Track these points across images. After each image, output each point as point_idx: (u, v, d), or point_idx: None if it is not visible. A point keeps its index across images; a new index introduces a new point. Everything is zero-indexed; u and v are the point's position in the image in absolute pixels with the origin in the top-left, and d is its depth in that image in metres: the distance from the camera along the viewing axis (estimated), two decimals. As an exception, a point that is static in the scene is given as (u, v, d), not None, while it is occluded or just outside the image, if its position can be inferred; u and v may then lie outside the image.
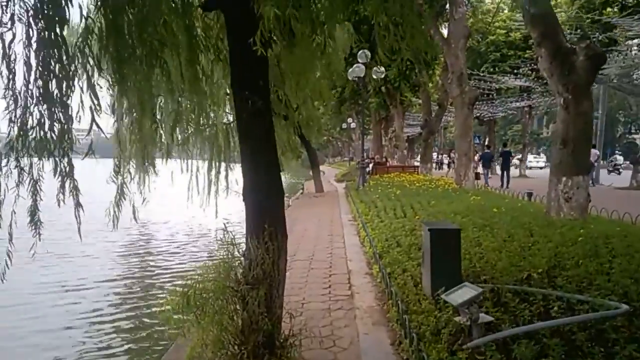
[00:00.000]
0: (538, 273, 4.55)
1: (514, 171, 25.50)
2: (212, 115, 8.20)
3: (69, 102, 2.54)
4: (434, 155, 35.70)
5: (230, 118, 6.48)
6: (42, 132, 2.61)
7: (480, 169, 20.49)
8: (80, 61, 2.63)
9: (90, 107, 2.62)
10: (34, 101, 2.54)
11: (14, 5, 2.46)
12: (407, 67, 19.99)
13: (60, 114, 2.54)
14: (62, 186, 2.58)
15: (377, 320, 4.49)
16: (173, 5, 2.89)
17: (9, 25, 2.44)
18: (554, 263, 4.78)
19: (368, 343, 3.99)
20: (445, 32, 17.50)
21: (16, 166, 2.75)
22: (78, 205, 2.65)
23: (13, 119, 2.64)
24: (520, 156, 32.17)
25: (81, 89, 2.46)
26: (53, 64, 2.43)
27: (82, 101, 2.50)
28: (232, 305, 3.25)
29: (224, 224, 3.46)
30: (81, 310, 7.11)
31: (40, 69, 2.46)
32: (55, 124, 2.57)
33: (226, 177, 10.34)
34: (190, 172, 10.16)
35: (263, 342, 3.18)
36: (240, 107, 3.19)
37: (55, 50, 2.42)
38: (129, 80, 2.78)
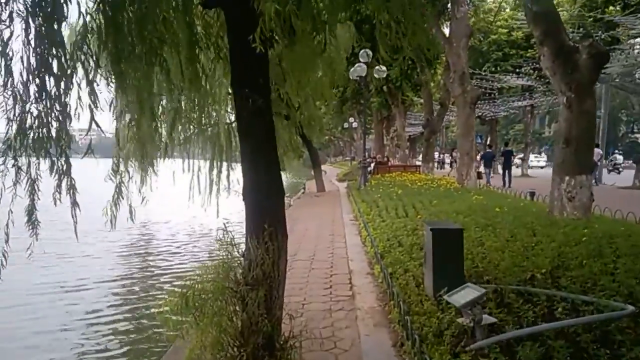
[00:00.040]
0: (542, 273, 4.50)
1: (515, 171, 25.42)
2: (214, 114, 8.18)
3: (67, 100, 2.51)
4: (436, 154, 35.61)
5: (233, 118, 6.44)
6: (40, 131, 2.58)
7: (482, 169, 20.42)
8: (78, 59, 2.59)
9: (89, 105, 2.58)
10: (32, 99, 2.50)
11: (12, 3, 2.43)
12: (408, 66, 19.94)
13: (58, 112, 2.50)
14: (59, 185, 2.54)
15: (379, 322, 4.45)
16: (173, 2, 2.85)
17: (7, 23, 2.41)
18: (557, 263, 4.74)
19: (369, 344, 3.95)
20: (447, 31, 17.44)
21: (13, 165, 2.72)
22: (75, 204, 2.61)
23: (11, 117, 2.61)
24: (522, 155, 32.07)
25: (78, 85, 2.42)
26: (51, 61, 2.39)
27: (80, 98, 2.46)
28: (232, 306, 3.21)
29: (224, 224, 3.43)
30: (80, 311, 7.08)
31: (38, 66, 2.42)
32: (52, 122, 2.54)
33: (228, 176, 10.32)
34: (192, 171, 10.15)
35: (263, 344, 3.13)
36: (240, 105, 3.15)
37: (54, 47, 2.39)
38: (128, 78, 2.74)
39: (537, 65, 23.66)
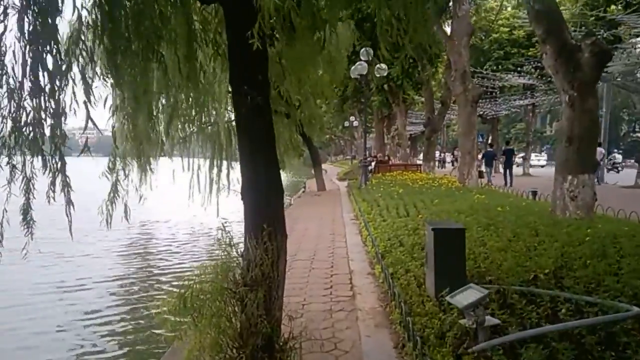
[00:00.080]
0: (545, 274, 4.46)
1: (517, 170, 25.36)
2: (213, 112, 8.13)
3: (62, 96, 2.46)
4: (437, 153, 35.55)
5: (233, 116, 6.39)
6: (35, 128, 2.53)
7: (483, 168, 20.36)
8: (73, 54, 2.53)
9: (85, 103, 2.53)
10: (26, 95, 2.45)
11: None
12: (410, 64, 19.88)
13: (53, 109, 2.45)
14: (53, 183, 2.49)
15: (380, 322, 4.40)
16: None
17: (1, 17, 2.35)
18: (560, 263, 4.69)
19: (370, 346, 3.89)
20: (448, 30, 17.38)
21: (8, 163, 2.67)
22: (69, 202, 2.56)
23: (5, 114, 2.56)
24: (523, 154, 31.99)
25: (73, 80, 2.37)
26: (45, 56, 2.34)
27: (74, 94, 2.41)
28: (230, 307, 3.16)
29: (222, 224, 3.37)
30: (79, 311, 7.04)
31: (32, 61, 2.37)
32: (47, 118, 2.49)
33: (228, 175, 10.27)
34: (192, 170, 10.11)
35: (262, 345, 3.08)
36: (239, 103, 3.10)
37: (48, 42, 2.33)
38: (124, 75, 2.69)
39: (539, 64, 23.58)
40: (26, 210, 2.81)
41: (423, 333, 3.51)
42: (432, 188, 13.57)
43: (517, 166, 28.69)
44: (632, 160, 32.85)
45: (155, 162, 7.76)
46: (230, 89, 3.70)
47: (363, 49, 15.40)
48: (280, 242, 3.28)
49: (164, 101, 4.20)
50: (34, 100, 2.43)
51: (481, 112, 30.22)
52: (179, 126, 6.26)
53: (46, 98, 2.32)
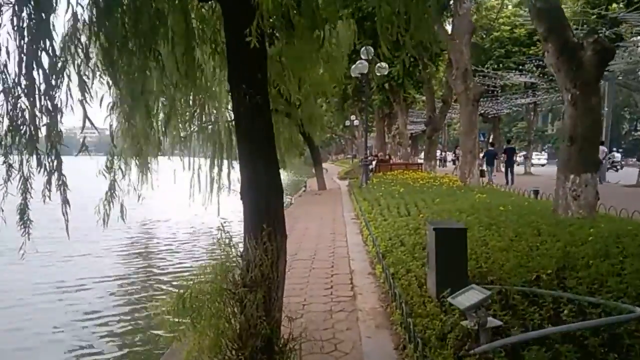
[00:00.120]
0: (547, 274, 4.41)
1: (518, 169, 25.30)
2: (214, 111, 8.08)
3: (58, 94, 2.42)
4: (438, 152, 35.49)
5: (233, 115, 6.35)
6: (31, 127, 2.50)
7: (484, 166, 20.31)
8: (69, 51, 2.50)
9: (82, 102, 2.50)
10: (21, 93, 2.42)
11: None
12: (410, 63, 19.79)
13: (50, 107, 2.42)
14: (49, 181, 2.46)
15: (380, 323, 4.36)
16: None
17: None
18: (563, 263, 4.65)
19: (371, 347, 3.86)
20: (449, 28, 17.32)
21: (4, 162, 2.64)
22: (65, 201, 2.52)
23: (2, 112, 2.53)
24: (525, 153, 31.91)
25: (68, 76, 2.33)
26: (40, 53, 2.30)
27: (69, 90, 2.37)
28: (230, 308, 3.12)
29: (221, 224, 3.34)
30: (78, 312, 7.00)
31: (28, 58, 2.33)
32: (43, 117, 2.45)
33: (228, 175, 10.23)
34: (192, 169, 10.08)
35: (261, 347, 3.05)
36: (238, 102, 3.06)
37: (43, 40, 2.30)
38: (121, 73, 2.65)
39: (540, 63, 23.51)
40: (23, 210, 2.78)
41: (424, 334, 3.47)
42: (433, 187, 13.53)
43: (518, 165, 28.65)
44: (634, 159, 32.76)
45: (155, 161, 7.73)
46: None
47: (363, 47, 15.34)
48: (280, 242, 3.25)
49: (164, 99, 4.18)
50: (30, 98, 2.40)
51: (482, 111, 30.15)
52: (180, 125, 6.23)
53: (42, 96, 2.28)
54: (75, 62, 2.38)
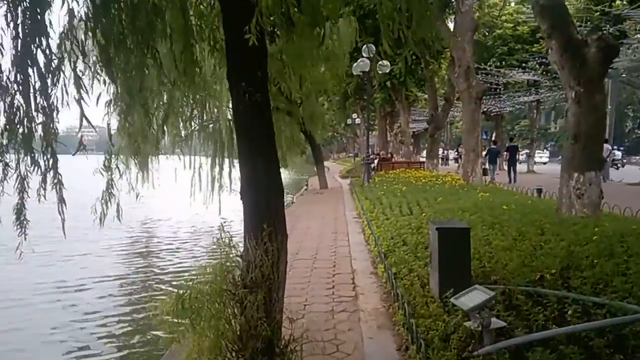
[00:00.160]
0: (551, 274, 4.36)
1: (521, 167, 25.19)
2: (214, 110, 8.05)
3: (54, 92, 2.39)
4: (440, 150, 35.41)
5: (234, 114, 6.31)
6: (27, 125, 2.46)
7: (487, 165, 20.24)
8: (65, 48, 2.46)
9: (79, 100, 2.46)
10: (16, 91, 2.38)
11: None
12: (412, 61, 19.74)
13: (45, 106, 2.38)
14: (44, 180, 2.43)
15: (383, 324, 4.31)
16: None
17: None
18: (567, 263, 4.60)
19: (373, 348, 3.82)
20: (451, 25, 17.23)
21: (0, 161, 2.61)
22: (62, 200, 2.48)
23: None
24: (527, 151, 31.78)
25: (63, 72, 2.29)
26: (35, 50, 2.26)
27: (66, 88, 2.33)
28: (230, 309, 3.08)
29: (221, 224, 3.30)
30: (77, 312, 6.97)
31: (21, 56, 2.29)
32: (39, 115, 2.42)
33: (230, 173, 10.22)
34: (193, 168, 10.06)
35: (262, 348, 3.01)
36: (237, 100, 3.01)
37: (38, 37, 2.26)
38: (118, 71, 2.61)
39: (543, 60, 23.40)
40: (20, 209, 2.75)
41: (427, 335, 3.43)
42: (435, 186, 13.47)
43: (520, 163, 28.56)
44: (638, 157, 32.57)
45: (155, 159, 7.70)
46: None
47: (365, 45, 15.26)
48: (281, 242, 3.21)
49: (165, 98, 4.14)
50: (25, 96, 2.36)
51: (485, 109, 30.07)
52: (180, 124, 6.20)
53: (36, 94, 2.24)
54: (72, 60, 2.34)
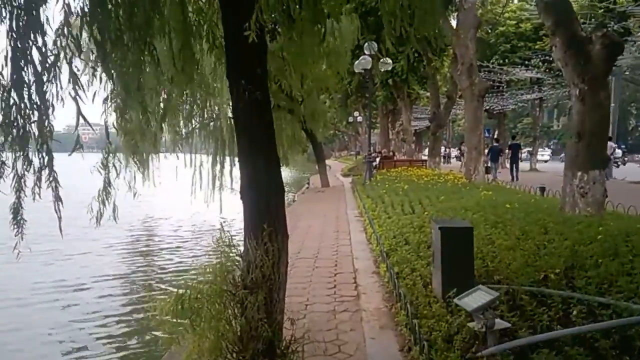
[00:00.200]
0: (555, 273, 4.31)
1: (524, 165, 25.09)
2: (215, 108, 8.01)
3: (51, 89, 2.35)
4: (442, 148, 35.29)
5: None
6: (25, 123, 2.42)
7: (489, 163, 20.16)
8: (62, 46, 2.41)
9: (75, 97, 2.42)
10: (11, 88, 2.34)
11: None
12: (415, 58, 19.64)
13: (40, 104, 2.34)
14: (39, 178, 2.39)
15: (385, 324, 4.27)
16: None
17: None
18: (571, 263, 4.55)
19: (375, 348, 3.77)
20: (454, 23, 17.13)
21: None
22: (58, 199, 2.45)
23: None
24: (530, 149, 31.67)
25: (59, 68, 2.25)
26: (30, 47, 2.22)
27: (60, 86, 2.30)
28: (230, 310, 3.05)
29: (221, 223, 3.27)
30: (76, 312, 6.92)
31: (16, 53, 2.25)
32: (35, 112, 2.38)
33: (231, 172, 10.18)
34: (194, 166, 10.04)
35: (263, 349, 2.98)
36: (236, 98, 2.97)
37: (33, 33, 2.22)
38: (115, 69, 2.57)
39: (546, 58, 23.30)
40: (17, 209, 2.71)
41: (430, 336, 3.39)
42: (437, 184, 13.41)
43: (522, 161, 28.45)
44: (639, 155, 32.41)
45: (156, 157, 7.66)
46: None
47: (367, 43, 15.19)
48: (282, 242, 3.17)
49: (163, 95, 4.10)
50: (21, 93, 2.32)
51: (488, 107, 29.96)
52: (181, 122, 6.16)
53: (31, 92, 2.20)
54: (67, 56, 2.30)
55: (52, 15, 2.41)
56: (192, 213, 14.07)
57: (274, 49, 4.03)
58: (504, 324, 3.29)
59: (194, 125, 7.25)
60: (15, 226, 2.71)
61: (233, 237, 3.19)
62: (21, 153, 2.52)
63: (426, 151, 32.99)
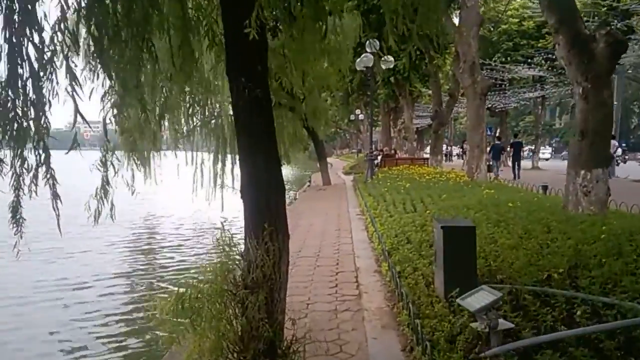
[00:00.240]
0: (559, 273, 4.27)
1: (526, 163, 25.00)
2: (217, 106, 7.96)
3: (45, 85, 2.31)
4: (444, 147, 35.22)
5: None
6: (23, 120, 2.39)
7: (491, 161, 20.09)
8: (59, 42, 2.38)
9: (72, 94, 2.38)
10: (6, 84, 2.31)
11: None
12: (417, 56, 19.56)
13: (38, 100, 2.31)
14: (36, 176, 2.36)
15: (387, 323, 4.24)
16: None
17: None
18: (575, 262, 4.50)
19: (377, 348, 3.74)
20: (456, 21, 17.05)
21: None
22: (55, 196, 2.42)
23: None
24: (532, 147, 31.57)
25: (56, 65, 2.22)
26: (26, 43, 2.19)
27: (57, 81, 2.27)
28: (231, 310, 3.03)
29: (222, 222, 3.24)
30: (77, 311, 6.90)
31: (12, 48, 2.22)
32: (32, 109, 2.35)
33: (232, 170, 10.13)
34: (195, 164, 9.99)
35: (264, 349, 2.96)
36: (236, 95, 2.94)
37: (29, 29, 2.18)
38: (113, 67, 2.53)
39: (548, 56, 23.19)
40: (15, 208, 2.69)
41: (432, 337, 3.35)
42: (439, 182, 13.36)
43: (523, 160, 28.35)
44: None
45: (157, 155, 7.62)
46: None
47: (369, 40, 15.11)
48: (282, 242, 3.14)
49: (163, 93, 4.07)
50: (18, 90, 2.29)
51: (490, 105, 29.87)
52: (182, 119, 6.12)
53: (27, 88, 2.17)
54: (64, 52, 2.26)
55: (48, 10, 2.39)
56: (193, 211, 14.03)
57: (275, 46, 3.99)
58: (508, 324, 3.26)
59: (195, 123, 7.20)
60: (15, 225, 2.69)
61: (234, 236, 3.17)
62: (19, 150, 2.50)
63: (428, 149, 32.95)
